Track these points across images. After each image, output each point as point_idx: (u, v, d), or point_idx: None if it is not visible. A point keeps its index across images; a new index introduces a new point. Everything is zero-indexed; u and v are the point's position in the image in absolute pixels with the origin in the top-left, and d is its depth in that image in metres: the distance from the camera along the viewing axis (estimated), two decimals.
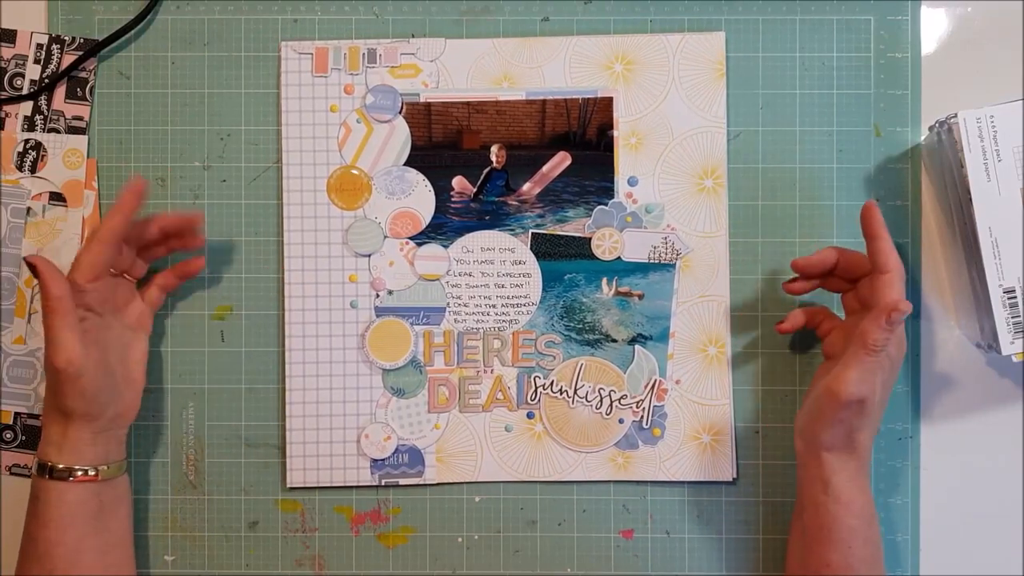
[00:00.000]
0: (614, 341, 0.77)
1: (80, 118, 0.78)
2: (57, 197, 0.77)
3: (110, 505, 0.70)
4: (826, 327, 0.74)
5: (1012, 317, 0.70)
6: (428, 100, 0.77)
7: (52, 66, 0.77)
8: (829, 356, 0.73)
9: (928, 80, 0.77)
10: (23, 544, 0.69)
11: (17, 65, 0.77)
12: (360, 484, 0.77)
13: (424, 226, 0.78)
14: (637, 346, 0.77)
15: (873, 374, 0.65)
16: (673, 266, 0.77)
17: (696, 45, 0.77)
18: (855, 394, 0.65)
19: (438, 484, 0.78)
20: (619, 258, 0.77)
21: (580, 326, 0.77)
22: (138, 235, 0.73)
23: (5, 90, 0.77)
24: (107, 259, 0.70)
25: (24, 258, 0.67)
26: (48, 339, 0.66)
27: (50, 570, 0.67)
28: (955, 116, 0.70)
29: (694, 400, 0.77)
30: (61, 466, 0.68)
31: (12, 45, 0.78)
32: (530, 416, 0.77)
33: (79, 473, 0.68)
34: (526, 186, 0.78)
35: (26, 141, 0.77)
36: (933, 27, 0.78)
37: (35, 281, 0.77)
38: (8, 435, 0.77)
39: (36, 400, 0.77)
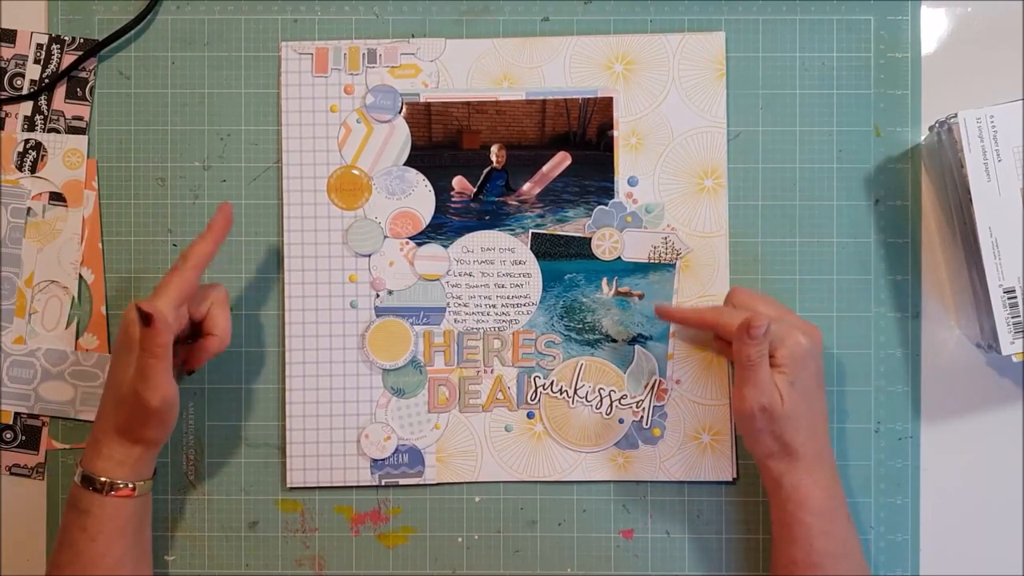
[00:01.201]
0: (614, 341, 0.77)
1: (80, 118, 0.78)
2: (57, 197, 0.77)
3: (145, 515, 0.71)
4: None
5: (1012, 317, 0.70)
6: (428, 100, 0.77)
7: (52, 66, 0.77)
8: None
9: (928, 80, 0.77)
10: (62, 554, 0.68)
11: (17, 65, 0.77)
12: (360, 484, 0.77)
13: (424, 226, 0.78)
14: (637, 346, 0.77)
15: (763, 382, 0.67)
16: (673, 266, 0.77)
17: (696, 45, 0.77)
18: (754, 405, 0.67)
19: (438, 484, 0.78)
20: (619, 258, 0.77)
21: (580, 326, 0.77)
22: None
23: (5, 90, 0.77)
24: (195, 286, 0.70)
25: (137, 305, 0.65)
26: (145, 378, 0.66)
27: None
28: (955, 116, 0.70)
29: (694, 400, 0.77)
30: (119, 482, 0.68)
31: (12, 45, 0.78)
32: (530, 416, 0.77)
33: (120, 487, 0.68)
34: (526, 186, 0.78)
35: (26, 141, 0.77)
36: (933, 27, 0.78)
37: (36, 281, 0.77)
38: (8, 435, 0.77)
39: (36, 400, 0.77)
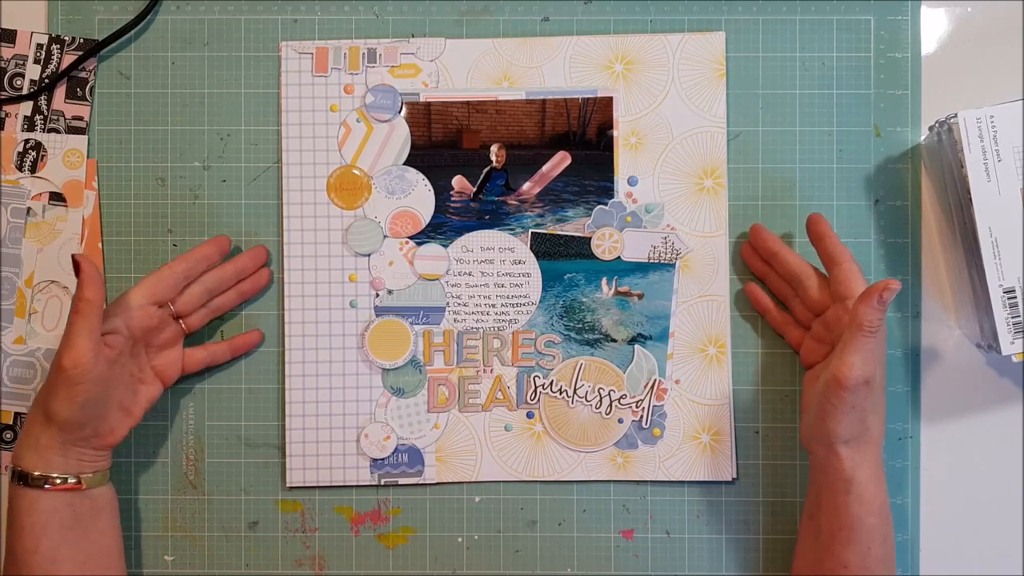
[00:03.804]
0: (614, 341, 0.77)
1: (80, 118, 0.78)
2: (57, 197, 0.77)
3: (87, 516, 0.68)
4: (794, 336, 0.75)
5: (1012, 317, 0.70)
6: (428, 100, 0.77)
7: (52, 66, 0.77)
8: (810, 365, 0.73)
9: (928, 80, 0.77)
10: (5, 549, 0.68)
11: (17, 65, 0.77)
12: (360, 484, 0.77)
13: (424, 225, 0.78)
14: (637, 346, 0.77)
15: (873, 354, 0.65)
16: (673, 266, 0.77)
17: (696, 45, 0.77)
18: (861, 376, 0.64)
19: (438, 484, 0.78)
20: (619, 258, 0.77)
21: (580, 326, 0.77)
22: (217, 279, 0.74)
23: (5, 90, 0.77)
24: (175, 283, 0.71)
25: (72, 256, 0.66)
26: (64, 337, 0.65)
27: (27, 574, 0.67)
28: (955, 116, 0.70)
29: (694, 400, 0.77)
30: (36, 474, 0.66)
31: (12, 45, 0.78)
32: (530, 416, 0.77)
33: (58, 481, 0.67)
34: (526, 186, 0.78)
35: (26, 141, 0.77)
36: (933, 27, 0.78)
37: (36, 281, 0.77)
38: (8, 435, 0.77)
39: None
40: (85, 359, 0.64)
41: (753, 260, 0.76)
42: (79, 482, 0.68)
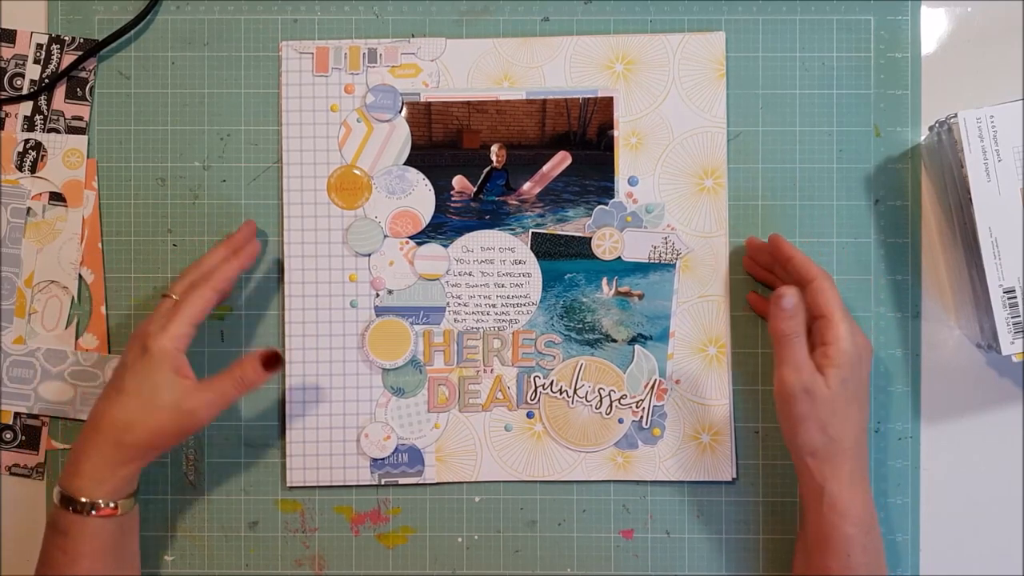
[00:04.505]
0: (614, 341, 0.77)
1: (80, 118, 0.78)
2: (57, 197, 0.77)
3: (129, 532, 0.70)
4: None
5: (1012, 317, 0.70)
6: (428, 100, 0.77)
7: (52, 66, 0.77)
8: None
9: (928, 80, 0.78)
10: (36, 570, 0.68)
11: (17, 65, 0.77)
12: (360, 484, 0.77)
13: (424, 225, 0.78)
14: (637, 346, 0.77)
15: (800, 361, 0.66)
16: (673, 266, 0.77)
17: (696, 45, 0.77)
18: (796, 385, 0.66)
19: (438, 484, 0.78)
20: (619, 258, 0.77)
21: (580, 326, 0.77)
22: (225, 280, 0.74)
23: (5, 90, 0.77)
24: (212, 306, 0.71)
25: (275, 351, 0.71)
26: (215, 404, 0.69)
27: None
28: (955, 116, 0.70)
29: (694, 400, 0.77)
30: (84, 500, 0.66)
31: (12, 45, 0.78)
32: (530, 416, 0.77)
33: (102, 506, 0.66)
34: (526, 186, 0.78)
35: (26, 141, 0.77)
36: (933, 27, 0.78)
37: (36, 281, 0.77)
38: (8, 435, 0.77)
39: (36, 400, 0.77)
40: (209, 418, 0.69)
41: (757, 270, 0.76)
42: (116, 507, 0.67)
